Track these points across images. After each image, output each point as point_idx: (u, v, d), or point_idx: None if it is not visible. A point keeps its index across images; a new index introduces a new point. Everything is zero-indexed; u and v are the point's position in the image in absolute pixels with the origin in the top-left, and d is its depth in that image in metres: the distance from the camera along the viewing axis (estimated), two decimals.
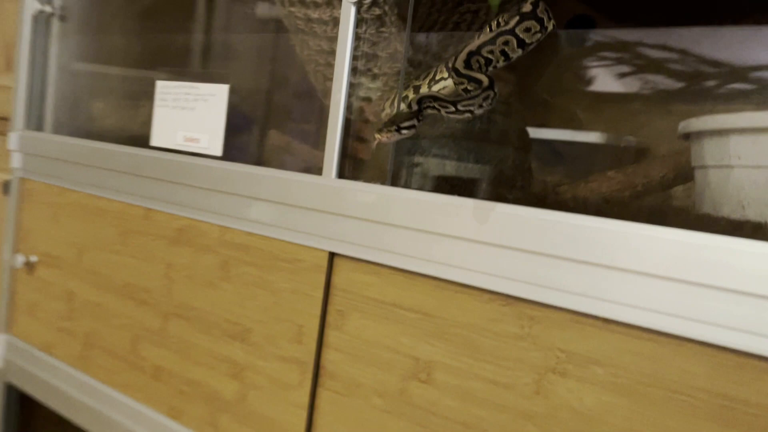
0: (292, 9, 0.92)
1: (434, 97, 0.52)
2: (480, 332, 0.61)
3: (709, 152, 0.57)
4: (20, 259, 1.05)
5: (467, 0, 0.92)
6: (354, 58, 0.77)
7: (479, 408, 0.62)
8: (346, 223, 0.68)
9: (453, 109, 0.52)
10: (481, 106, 0.52)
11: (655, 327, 0.51)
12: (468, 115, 0.52)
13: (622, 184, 0.72)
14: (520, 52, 0.56)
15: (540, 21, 0.56)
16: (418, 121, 0.51)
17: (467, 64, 0.54)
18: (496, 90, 0.52)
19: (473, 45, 0.55)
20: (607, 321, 0.54)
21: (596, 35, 0.78)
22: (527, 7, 0.56)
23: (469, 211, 0.60)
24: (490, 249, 0.59)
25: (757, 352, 0.47)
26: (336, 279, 0.71)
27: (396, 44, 0.80)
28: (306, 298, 0.73)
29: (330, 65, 0.83)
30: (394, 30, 0.80)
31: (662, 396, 0.52)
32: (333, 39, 0.81)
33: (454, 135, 0.67)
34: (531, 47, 0.57)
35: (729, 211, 0.56)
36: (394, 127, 0.50)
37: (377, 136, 0.49)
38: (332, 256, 0.71)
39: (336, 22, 0.80)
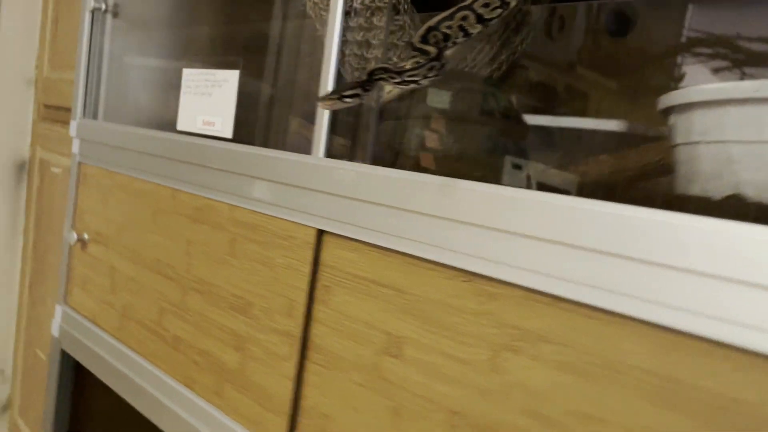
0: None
1: (384, 68, 0.54)
2: (444, 308, 0.62)
3: (679, 129, 0.55)
4: (74, 237, 1.15)
5: None
6: (367, 46, 0.80)
7: (442, 384, 0.62)
8: (332, 200, 0.71)
9: (399, 79, 0.53)
10: (425, 76, 0.53)
11: (599, 305, 0.50)
12: (413, 85, 0.53)
13: (613, 168, 0.71)
14: (480, 27, 0.57)
15: None
16: (365, 90, 0.52)
17: (424, 38, 0.55)
18: (442, 61, 0.53)
19: (433, 20, 0.56)
20: (555, 298, 0.54)
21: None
22: None
23: (435, 188, 0.61)
24: (452, 225, 0.60)
25: (697, 332, 0.45)
26: (324, 255, 0.74)
27: (411, 32, 0.82)
28: (297, 273, 0.76)
29: (356, 56, 0.86)
30: (407, 18, 0.81)
31: (605, 375, 0.51)
32: (356, 29, 0.84)
33: (445, 113, 0.68)
34: (492, 22, 0.57)
35: (695, 189, 0.53)
36: (337, 96, 0.51)
37: (320, 104, 0.51)
38: (320, 233, 0.74)
39: (357, 11, 0.83)
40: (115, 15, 1.11)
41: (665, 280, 0.47)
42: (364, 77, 0.53)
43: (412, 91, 0.72)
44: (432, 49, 0.53)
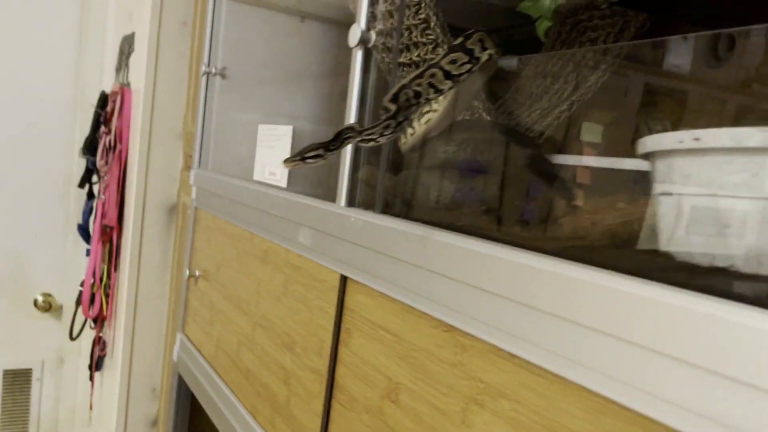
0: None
1: (351, 128, 0.57)
2: (429, 356, 0.63)
3: (658, 176, 0.52)
4: (187, 273, 1.30)
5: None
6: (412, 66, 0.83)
7: None
8: (351, 247, 0.75)
9: (359, 138, 0.56)
10: (382, 134, 0.55)
11: (545, 365, 0.49)
12: (372, 143, 0.56)
13: (630, 216, 0.67)
14: (449, 83, 0.58)
15: (469, 52, 0.57)
16: (328, 150, 0.56)
17: (395, 96, 0.58)
18: (399, 119, 0.55)
19: (406, 79, 0.59)
20: (512, 355, 0.52)
21: None
22: (459, 40, 0.57)
23: (417, 239, 0.62)
24: (430, 275, 0.60)
25: (623, 401, 0.42)
26: (347, 299, 0.77)
27: (443, 48, 0.82)
28: (325, 315, 0.80)
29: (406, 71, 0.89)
30: (439, 32, 0.82)
31: None
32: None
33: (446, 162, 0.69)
34: (462, 77, 0.58)
35: (661, 242, 0.50)
36: (299, 158, 0.55)
37: (283, 164, 0.55)
38: (344, 278, 0.78)
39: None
40: (223, 77, 1.26)
41: (602, 346, 0.44)
42: (332, 137, 0.56)
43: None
44: (392, 107, 0.55)
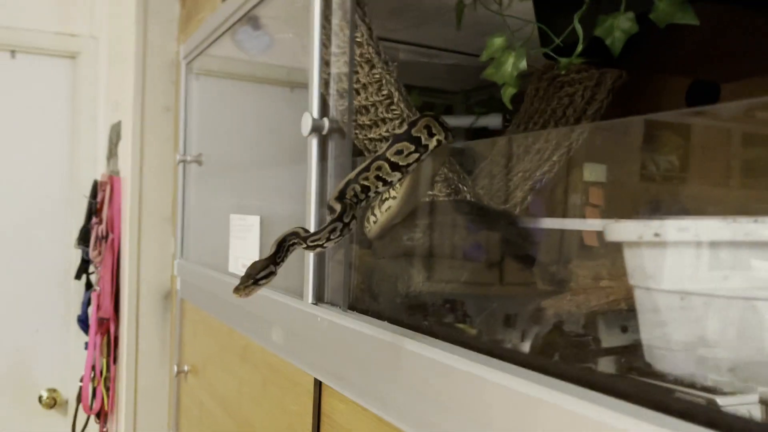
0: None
1: (295, 234, 0.52)
2: None
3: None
4: (175, 369, 1.24)
5: None
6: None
7: None
8: (321, 348, 0.68)
9: (305, 245, 0.51)
10: (329, 239, 0.50)
11: None
12: (319, 249, 0.51)
13: (617, 295, 0.60)
14: (397, 174, 0.53)
15: (416, 140, 0.52)
16: (277, 264, 0.50)
17: (341, 193, 0.53)
18: (345, 220, 0.50)
19: (351, 174, 0.54)
20: None
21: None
22: (403, 128, 0.53)
23: (391, 347, 0.56)
24: (406, 389, 0.54)
25: None
26: (324, 405, 0.71)
27: (400, 105, 0.78)
28: (304, 423, 0.74)
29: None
30: (403, 107, 0.77)
31: None
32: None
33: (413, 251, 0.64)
34: (410, 167, 0.53)
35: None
36: (251, 281, 0.50)
37: (235, 294, 0.50)
38: (319, 382, 0.71)
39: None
40: (199, 164, 1.23)
41: None
42: (275, 248, 0.51)
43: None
44: (337, 207, 0.50)
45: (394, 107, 0.77)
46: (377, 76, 0.78)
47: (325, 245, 0.50)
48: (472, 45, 1.16)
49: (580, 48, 0.62)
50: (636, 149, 0.71)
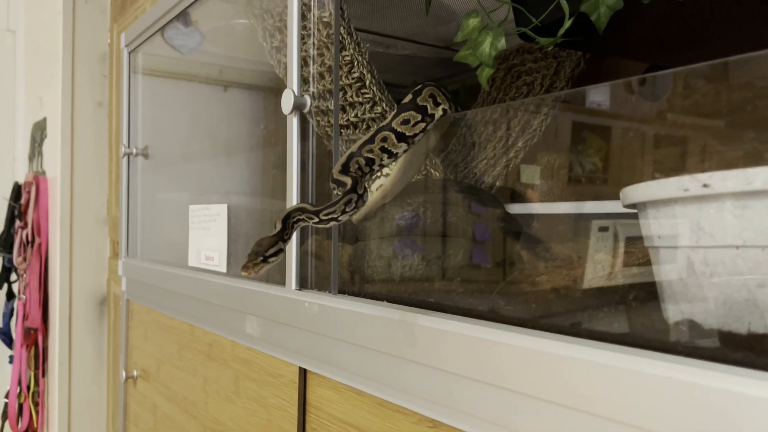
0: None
1: (301, 209, 0.49)
2: None
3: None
4: (123, 375, 1.17)
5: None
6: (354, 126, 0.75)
7: None
8: (307, 335, 0.66)
9: (317, 219, 0.48)
10: (344, 211, 0.48)
11: None
12: (333, 223, 0.48)
13: (611, 268, 0.61)
14: (404, 146, 0.51)
15: (422, 109, 0.51)
16: (284, 241, 0.48)
17: (344, 167, 0.51)
18: (359, 191, 0.48)
19: (354, 146, 0.52)
20: None
21: None
22: (407, 98, 0.51)
23: (395, 324, 0.54)
24: (412, 366, 0.52)
25: None
26: (309, 395, 0.68)
27: (384, 107, 0.77)
28: (287, 415, 0.70)
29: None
30: (375, 90, 0.76)
31: None
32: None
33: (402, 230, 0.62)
34: (417, 138, 0.51)
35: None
36: (260, 258, 0.47)
37: (243, 273, 0.47)
38: (303, 371, 0.68)
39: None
40: (146, 157, 1.17)
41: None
42: (279, 225, 0.48)
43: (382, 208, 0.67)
44: (348, 180, 0.48)
45: (365, 90, 0.75)
46: (348, 57, 0.76)
47: (340, 218, 0.48)
48: (427, 35, 1.15)
49: (568, 23, 0.63)
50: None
